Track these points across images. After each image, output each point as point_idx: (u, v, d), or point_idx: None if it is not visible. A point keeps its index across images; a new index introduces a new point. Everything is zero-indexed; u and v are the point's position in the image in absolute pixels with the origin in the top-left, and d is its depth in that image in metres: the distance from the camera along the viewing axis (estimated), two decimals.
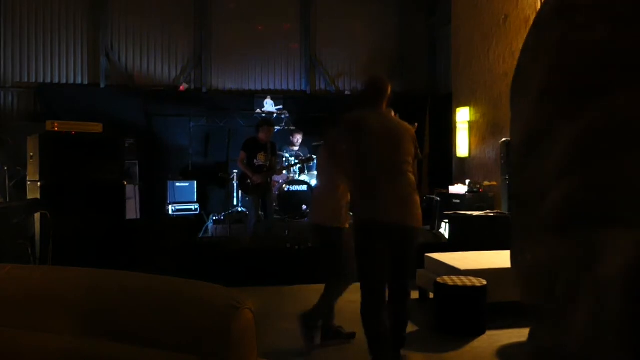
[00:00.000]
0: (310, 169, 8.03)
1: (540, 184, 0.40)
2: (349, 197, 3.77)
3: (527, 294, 0.43)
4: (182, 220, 8.28)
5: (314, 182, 7.84)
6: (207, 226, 8.05)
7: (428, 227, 7.15)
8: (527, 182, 0.42)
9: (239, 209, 8.22)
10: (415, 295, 4.88)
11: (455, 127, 8.91)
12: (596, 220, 0.36)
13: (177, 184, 8.80)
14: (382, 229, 3.14)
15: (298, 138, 8.08)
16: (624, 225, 0.34)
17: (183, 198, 8.74)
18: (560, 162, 0.38)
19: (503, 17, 7.60)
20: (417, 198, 3.28)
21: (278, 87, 10.54)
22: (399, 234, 3.17)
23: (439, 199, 7.47)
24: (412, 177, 3.26)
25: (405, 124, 3.40)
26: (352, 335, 3.99)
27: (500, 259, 4.85)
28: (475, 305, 4.17)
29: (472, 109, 8.51)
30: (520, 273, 0.43)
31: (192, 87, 10.25)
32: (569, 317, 0.37)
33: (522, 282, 0.43)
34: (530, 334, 0.44)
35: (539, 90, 0.41)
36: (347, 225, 3.83)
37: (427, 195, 7.84)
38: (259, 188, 6.38)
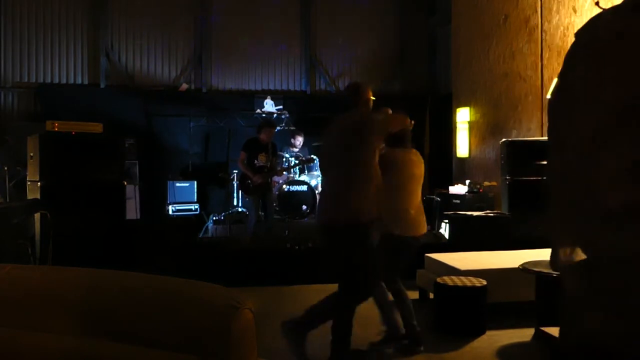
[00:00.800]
0: (310, 170, 8.03)
1: (607, 179, 0.46)
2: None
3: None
4: (182, 220, 8.29)
5: (314, 183, 7.84)
6: (207, 226, 8.05)
7: (428, 227, 7.15)
8: (591, 177, 0.48)
9: (239, 209, 8.22)
10: (415, 295, 4.88)
11: (455, 127, 8.90)
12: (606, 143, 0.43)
13: (177, 184, 8.80)
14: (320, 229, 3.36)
15: (300, 140, 8.08)
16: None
17: (183, 198, 8.74)
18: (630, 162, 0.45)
19: (503, 17, 7.60)
20: (352, 192, 3.19)
21: (278, 87, 10.54)
22: (326, 233, 3.32)
23: (439, 199, 7.47)
24: (350, 170, 3.21)
25: (356, 116, 3.38)
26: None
27: (500, 259, 4.85)
28: (475, 305, 4.17)
29: (472, 109, 8.50)
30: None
31: (192, 87, 10.25)
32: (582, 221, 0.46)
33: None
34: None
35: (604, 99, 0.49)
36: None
37: (427, 196, 7.84)
38: (260, 188, 6.38)
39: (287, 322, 3.44)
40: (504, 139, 6.77)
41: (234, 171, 8.38)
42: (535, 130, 6.90)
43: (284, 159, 7.87)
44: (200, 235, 7.56)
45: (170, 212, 8.52)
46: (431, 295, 4.68)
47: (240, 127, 9.35)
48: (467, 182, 7.50)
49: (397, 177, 3.69)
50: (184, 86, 10.12)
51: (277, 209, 7.54)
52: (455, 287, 4.16)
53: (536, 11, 6.85)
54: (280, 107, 9.56)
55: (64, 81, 9.76)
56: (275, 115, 9.31)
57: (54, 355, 1.24)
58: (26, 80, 9.61)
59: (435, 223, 7.25)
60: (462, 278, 4.32)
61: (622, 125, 0.48)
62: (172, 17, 10.08)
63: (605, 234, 0.46)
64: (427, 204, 7.26)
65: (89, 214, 4.94)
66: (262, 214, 6.53)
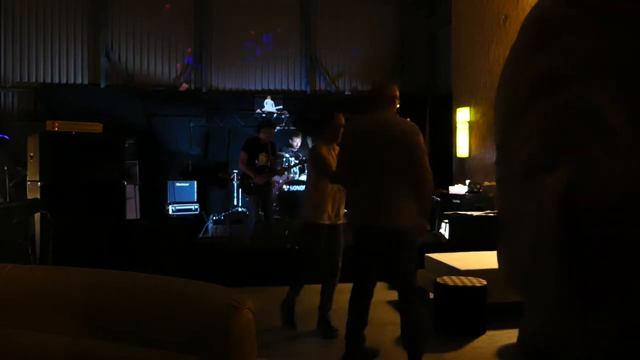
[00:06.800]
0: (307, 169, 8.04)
1: (516, 148, 0.51)
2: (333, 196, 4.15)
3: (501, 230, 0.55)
4: (182, 220, 8.28)
5: None
6: (207, 226, 8.05)
7: (428, 228, 7.15)
8: (510, 150, 0.53)
9: (239, 209, 8.22)
10: None
11: (455, 127, 8.90)
12: (550, 167, 0.46)
13: (177, 184, 8.80)
14: (368, 232, 3.32)
15: (297, 142, 8.09)
16: (564, 166, 0.45)
17: (183, 198, 8.74)
18: (531, 130, 0.50)
19: (503, 17, 7.60)
20: (410, 200, 3.29)
21: (278, 87, 10.54)
22: (383, 236, 3.28)
23: (439, 199, 7.47)
24: (406, 176, 3.27)
25: (407, 126, 3.39)
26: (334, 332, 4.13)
27: None
28: (475, 305, 4.17)
29: (472, 109, 8.50)
30: (500, 218, 0.56)
31: (192, 87, 10.25)
32: (521, 238, 0.49)
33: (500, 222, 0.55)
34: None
35: (519, 82, 0.53)
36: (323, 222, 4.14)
37: None
38: (260, 188, 6.37)
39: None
40: None
41: (234, 171, 8.38)
42: None
43: (284, 159, 7.87)
44: (200, 235, 7.56)
45: (170, 212, 8.52)
46: (431, 295, 4.68)
47: (240, 127, 9.35)
48: (467, 182, 7.50)
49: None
50: (184, 86, 10.12)
51: (277, 209, 7.53)
52: (455, 287, 4.16)
53: None
54: (280, 107, 9.56)
55: (64, 81, 9.76)
56: (275, 115, 9.31)
57: (54, 355, 1.24)
58: (26, 80, 9.61)
59: (435, 223, 7.24)
60: (462, 278, 4.32)
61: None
62: (172, 17, 10.08)
63: None
64: None
65: (89, 214, 4.93)
66: (262, 214, 6.53)
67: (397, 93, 3.46)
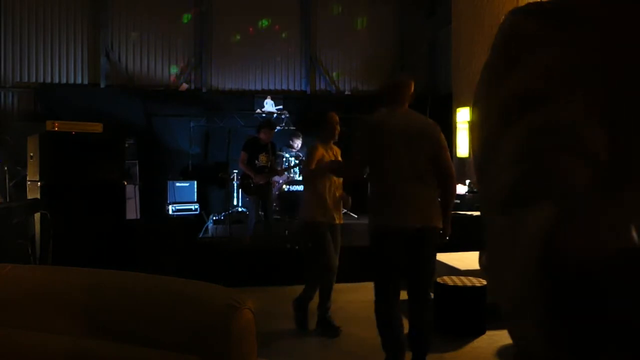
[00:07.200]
0: None
1: (493, 175, 0.49)
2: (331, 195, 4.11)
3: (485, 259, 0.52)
4: (182, 220, 8.28)
5: None
6: (207, 226, 8.05)
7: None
8: (488, 175, 0.51)
9: (239, 209, 8.22)
10: None
11: (456, 127, 8.90)
12: (527, 199, 0.44)
13: (177, 184, 8.80)
14: (399, 234, 3.13)
15: (297, 143, 8.09)
16: (546, 204, 0.42)
17: (183, 198, 8.74)
18: (507, 155, 0.47)
19: (503, 17, 7.59)
20: (437, 198, 3.27)
21: (278, 87, 10.54)
22: (418, 238, 3.15)
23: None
24: (432, 175, 3.21)
25: (430, 121, 3.35)
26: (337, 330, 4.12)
27: None
28: (475, 305, 4.16)
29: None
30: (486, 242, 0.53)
31: (192, 87, 10.25)
32: (504, 278, 0.46)
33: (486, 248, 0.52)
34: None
35: (492, 105, 0.51)
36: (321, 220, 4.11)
37: None
38: (260, 188, 6.37)
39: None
40: None
41: (234, 171, 8.38)
42: None
43: (284, 159, 7.87)
44: (200, 235, 7.56)
45: (170, 212, 8.52)
46: (431, 295, 4.68)
47: (240, 127, 9.35)
48: (467, 182, 7.50)
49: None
50: (184, 86, 10.12)
51: (277, 209, 7.53)
52: (455, 287, 4.16)
53: None
54: (280, 107, 9.56)
55: (64, 81, 9.76)
56: (275, 115, 9.31)
57: (54, 355, 1.24)
58: (26, 80, 9.61)
59: None
60: (462, 278, 4.32)
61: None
62: (172, 17, 10.08)
63: None
64: None
65: (89, 214, 4.93)
66: (262, 214, 6.53)
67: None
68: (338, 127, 4.19)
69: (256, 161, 6.39)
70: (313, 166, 4.05)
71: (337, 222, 4.20)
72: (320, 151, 4.12)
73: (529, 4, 0.53)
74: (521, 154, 0.46)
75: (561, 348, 0.42)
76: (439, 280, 4.31)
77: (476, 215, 6.10)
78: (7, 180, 6.57)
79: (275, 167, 6.74)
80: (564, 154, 0.44)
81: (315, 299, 4.26)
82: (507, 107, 0.49)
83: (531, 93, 0.48)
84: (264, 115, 9.22)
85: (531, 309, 0.42)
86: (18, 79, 9.59)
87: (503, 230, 0.46)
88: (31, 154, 5.04)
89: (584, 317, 0.40)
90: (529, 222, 0.42)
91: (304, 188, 4.53)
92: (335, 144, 4.29)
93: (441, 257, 5.04)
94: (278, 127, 8.46)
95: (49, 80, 9.70)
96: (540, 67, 0.48)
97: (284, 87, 10.58)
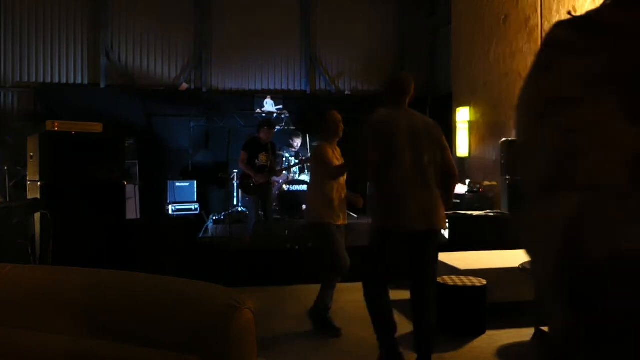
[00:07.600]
0: (310, 169, 8.04)
1: (531, 167, 0.53)
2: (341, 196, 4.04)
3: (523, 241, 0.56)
4: (182, 220, 8.27)
5: None
6: (207, 226, 8.05)
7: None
8: (529, 166, 0.55)
9: (239, 209, 8.22)
10: None
11: (455, 127, 8.90)
12: (558, 186, 0.47)
13: (177, 184, 8.80)
14: (403, 234, 3.13)
15: (297, 142, 8.10)
16: (571, 195, 0.46)
17: (183, 198, 8.74)
18: (540, 152, 0.52)
19: (503, 17, 7.60)
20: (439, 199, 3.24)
21: (278, 87, 10.54)
22: (422, 238, 3.16)
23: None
24: (435, 176, 3.21)
25: (431, 120, 3.35)
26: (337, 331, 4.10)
27: (500, 259, 4.85)
28: (475, 305, 4.17)
29: (472, 109, 8.50)
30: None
31: (192, 87, 10.25)
32: (534, 260, 0.50)
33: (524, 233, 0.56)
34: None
35: (531, 103, 0.56)
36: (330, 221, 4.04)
37: None
38: (260, 188, 6.37)
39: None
40: (504, 139, 6.77)
41: (234, 171, 8.37)
42: None
43: (284, 159, 7.87)
44: (200, 235, 7.55)
45: (170, 212, 8.52)
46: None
47: (240, 127, 9.35)
48: (467, 182, 7.50)
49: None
50: (184, 86, 10.12)
51: (277, 208, 7.53)
52: (455, 287, 4.16)
53: (536, 11, 6.85)
54: (280, 107, 9.56)
55: (64, 81, 9.76)
56: (275, 115, 9.31)
57: (54, 355, 1.24)
58: (26, 80, 9.61)
59: None
60: (462, 278, 4.32)
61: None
62: (172, 17, 10.08)
63: None
64: None
65: (89, 214, 4.93)
66: (262, 213, 6.53)
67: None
68: (342, 125, 4.17)
69: (256, 161, 6.39)
70: (334, 164, 3.98)
71: (343, 222, 4.19)
72: (329, 150, 4.10)
73: (574, 17, 0.58)
74: (552, 151, 0.50)
75: (578, 338, 0.45)
76: (439, 280, 4.30)
77: (476, 215, 6.10)
78: (7, 180, 6.57)
79: (275, 167, 6.73)
80: (593, 149, 0.48)
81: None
82: (540, 108, 0.54)
83: (561, 95, 0.52)
84: (264, 115, 9.22)
85: (553, 293, 0.46)
86: (18, 79, 9.59)
87: (534, 214, 0.50)
88: (31, 154, 5.04)
89: (599, 309, 0.42)
90: (552, 210, 0.46)
91: (310, 189, 4.50)
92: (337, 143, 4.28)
93: (441, 257, 5.03)
94: (278, 127, 8.45)
95: (49, 80, 9.70)
96: (570, 71, 0.52)
97: (284, 87, 10.58)
